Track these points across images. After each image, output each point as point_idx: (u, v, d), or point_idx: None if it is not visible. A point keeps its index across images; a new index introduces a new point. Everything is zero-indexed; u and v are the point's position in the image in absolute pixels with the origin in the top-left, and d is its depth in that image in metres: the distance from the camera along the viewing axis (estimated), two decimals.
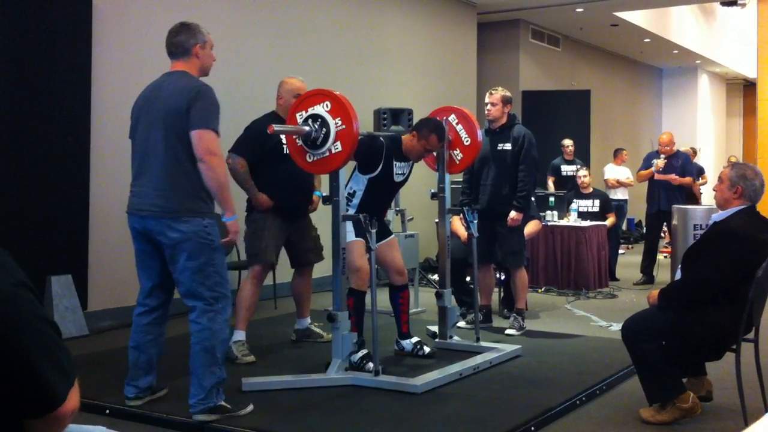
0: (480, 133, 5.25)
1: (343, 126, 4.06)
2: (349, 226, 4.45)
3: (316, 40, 8.19)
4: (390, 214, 6.90)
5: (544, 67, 13.32)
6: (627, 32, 13.86)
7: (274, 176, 4.91)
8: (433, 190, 5.34)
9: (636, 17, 13.17)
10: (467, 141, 5.21)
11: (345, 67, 8.57)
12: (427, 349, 4.93)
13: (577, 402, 4.07)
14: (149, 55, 5.99)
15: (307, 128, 4.10)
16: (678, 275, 3.89)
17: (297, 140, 4.21)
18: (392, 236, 4.96)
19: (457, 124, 5.23)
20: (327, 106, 4.10)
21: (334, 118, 4.08)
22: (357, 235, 4.53)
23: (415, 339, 4.97)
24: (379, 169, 4.61)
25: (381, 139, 4.71)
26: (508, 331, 5.74)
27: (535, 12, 12.15)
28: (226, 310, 3.65)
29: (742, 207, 3.69)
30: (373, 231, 4.21)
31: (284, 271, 6.02)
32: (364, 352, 4.48)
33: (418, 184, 8.65)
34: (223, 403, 3.64)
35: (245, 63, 7.26)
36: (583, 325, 6.27)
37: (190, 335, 3.62)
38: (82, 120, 5.82)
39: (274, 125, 4.11)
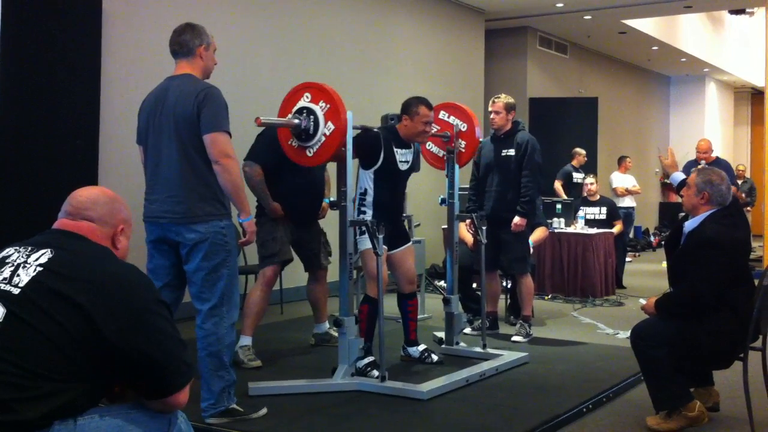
0: (478, 130, 5.29)
1: (328, 105, 4.16)
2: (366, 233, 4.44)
3: (323, 47, 8.21)
4: None
5: (552, 75, 13.33)
6: (635, 40, 13.85)
7: (289, 184, 4.97)
8: (442, 197, 5.35)
9: (644, 25, 13.17)
10: (464, 127, 5.26)
11: (352, 73, 8.59)
12: (435, 357, 4.93)
13: (584, 409, 4.07)
14: (158, 59, 6.00)
15: (296, 120, 4.19)
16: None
17: (293, 143, 4.28)
18: (409, 243, 4.92)
19: (449, 117, 5.28)
20: (307, 97, 4.22)
21: (317, 104, 4.17)
22: None
23: (422, 346, 4.96)
24: (381, 159, 4.59)
25: (375, 129, 4.72)
26: (514, 338, 5.73)
27: (543, 19, 12.15)
28: (231, 315, 3.65)
29: (711, 212, 3.74)
30: (380, 236, 4.23)
31: (291, 275, 6.04)
32: (370, 359, 4.48)
33: (426, 191, 8.68)
34: (234, 406, 3.65)
35: (253, 69, 7.28)
36: (590, 333, 6.26)
37: (197, 341, 3.63)
38: (91, 123, 5.84)
39: (261, 117, 4.11)
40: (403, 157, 4.72)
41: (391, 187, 4.71)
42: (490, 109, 5.89)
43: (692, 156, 8.50)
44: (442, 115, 5.29)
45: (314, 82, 4.30)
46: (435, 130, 5.07)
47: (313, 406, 3.98)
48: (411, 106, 4.71)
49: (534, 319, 6.33)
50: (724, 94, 19.72)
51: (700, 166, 8.11)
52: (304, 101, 4.22)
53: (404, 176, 4.83)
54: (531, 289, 5.98)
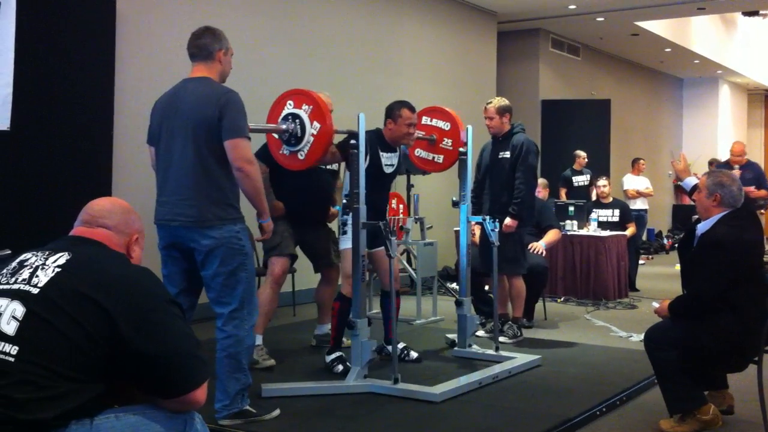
0: (462, 133, 5.29)
1: (311, 107, 4.20)
2: (348, 233, 4.50)
3: (333, 50, 8.22)
4: (409, 222, 6.91)
5: (564, 77, 13.30)
6: (647, 42, 13.81)
7: (289, 186, 5.00)
8: (455, 198, 5.36)
9: (656, 27, 13.13)
10: (447, 126, 5.27)
11: (363, 76, 8.60)
12: (414, 354, 5.00)
13: (597, 413, 4.06)
14: (172, 61, 6.04)
15: (283, 126, 4.24)
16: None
17: (284, 152, 4.32)
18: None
19: (431, 120, 5.32)
20: (290, 104, 4.27)
21: (300, 108, 4.22)
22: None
23: (401, 344, 4.98)
24: (367, 161, 4.63)
25: None
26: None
27: (556, 21, 12.14)
28: (252, 317, 3.66)
29: (723, 213, 3.73)
30: (393, 239, 4.25)
31: (303, 277, 6.05)
32: (337, 353, 4.66)
33: (438, 193, 8.67)
34: (248, 407, 3.67)
35: (262, 71, 7.29)
36: (603, 336, 6.24)
37: (216, 342, 3.64)
38: (105, 126, 5.87)
39: (250, 124, 4.13)
40: (388, 160, 4.80)
41: (376, 189, 4.76)
42: (484, 115, 5.88)
43: (706, 159, 8.47)
44: (425, 120, 5.33)
45: (295, 89, 4.35)
46: (422, 134, 5.17)
47: (325, 408, 3.99)
48: (394, 109, 4.80)
49: (546, 321, 6.32)
50: (737, 96, 19.63)
51: (735, 170, 8.00)
52: (288, 109, 4.27)
53: (389, 179, 4.93)
54: (522, 291, 5.94)
